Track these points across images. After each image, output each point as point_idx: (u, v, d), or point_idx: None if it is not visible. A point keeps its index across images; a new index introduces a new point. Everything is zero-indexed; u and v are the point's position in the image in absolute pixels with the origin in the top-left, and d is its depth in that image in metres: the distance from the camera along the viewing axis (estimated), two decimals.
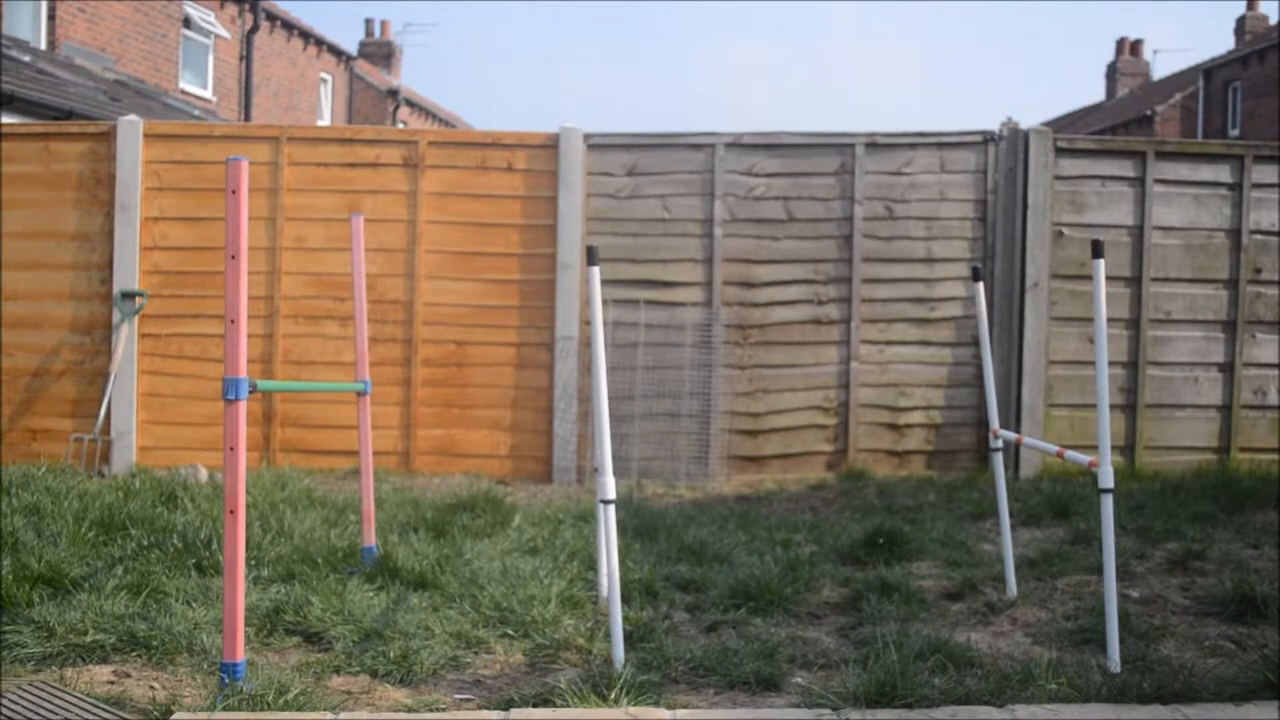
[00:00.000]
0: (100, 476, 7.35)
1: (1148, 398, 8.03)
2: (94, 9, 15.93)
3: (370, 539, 5.11)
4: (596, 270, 3.87)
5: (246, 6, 20.18)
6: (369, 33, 30.98)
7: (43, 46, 14.99)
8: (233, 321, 3.39)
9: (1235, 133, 25.80)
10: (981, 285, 4.86)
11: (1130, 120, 29.08)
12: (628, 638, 3.88)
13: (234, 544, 3.39)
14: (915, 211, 8.09)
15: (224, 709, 3.24)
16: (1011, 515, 5.40)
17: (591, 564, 4.96)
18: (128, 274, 7.82)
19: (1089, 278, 7.84)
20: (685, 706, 3.42)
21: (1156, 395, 8.06)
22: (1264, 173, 8.08)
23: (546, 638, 4.01)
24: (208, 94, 19.21)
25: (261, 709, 3.24)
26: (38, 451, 7.65)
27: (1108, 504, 3.83)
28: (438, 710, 3.38)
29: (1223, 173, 8.08)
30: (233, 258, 3.40)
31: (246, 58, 20.19)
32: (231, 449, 3.39)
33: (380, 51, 30.27)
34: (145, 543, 5.04)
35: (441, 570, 4.73)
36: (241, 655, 3.41)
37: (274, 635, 4.04)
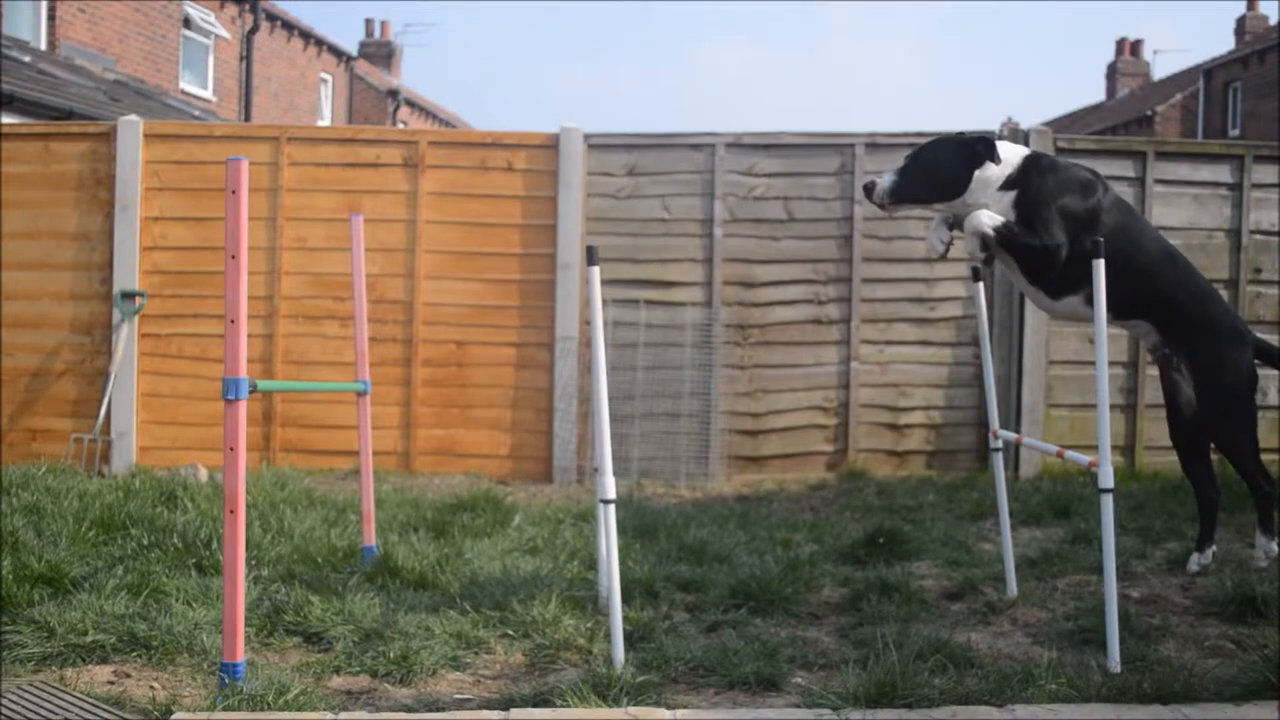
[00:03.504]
0: (100, 476, 7.35)
1: (1148, 398, 8.03)
2: (94, 9, 15.93)
3: (370, 539, 5.11)
4: (596, 270, 3.87)
5: (246, 6, 20.18)
6: (369, 33, 30.98)
7: (43, 46, 14.99)
8: (233, 321, 3.39)
9: (1235, 133, 25.79)
10: (981, 285, 4.84)
11: (1130, 120, 29.08)
12: (628, 638, 3.87)
13: (234, 544, 3.39)
14: (915, 211, 8.06)
15: (224, 709, 3.24)
16: (1011, 515, 5.40)
17: (591, 564, 4.96)
18: (128, 274, 7.82)
19: None
20: (685, 706, 3.42)
21: (1157, 395, 8.02)
22: (1264, 173, 8.08)
23: (546, 638, 4.01)
24: (208, 94, 19.21)
25: (261, 709, 3.24)
26: (38, 451, 7.65)
27: (1108, 504, 3.83)
28: (438, 710, 3.38)
29: (1223, 173, 8.08)
30: (233, 258, 3.40)
31: (246, 58, 20.19)
32: (231, 449, 3.39)
33: (380, 51, 30.27)
34: (145, 543, 5.03)
35: (441, 570, 4.73)
36: (241, 655, 3.41)
37: (274, 635, 4.04)
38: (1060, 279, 4.02)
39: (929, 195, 4.09)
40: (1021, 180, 3.95)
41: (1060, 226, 3.91)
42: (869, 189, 4.10)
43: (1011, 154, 4.02)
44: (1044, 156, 4.06)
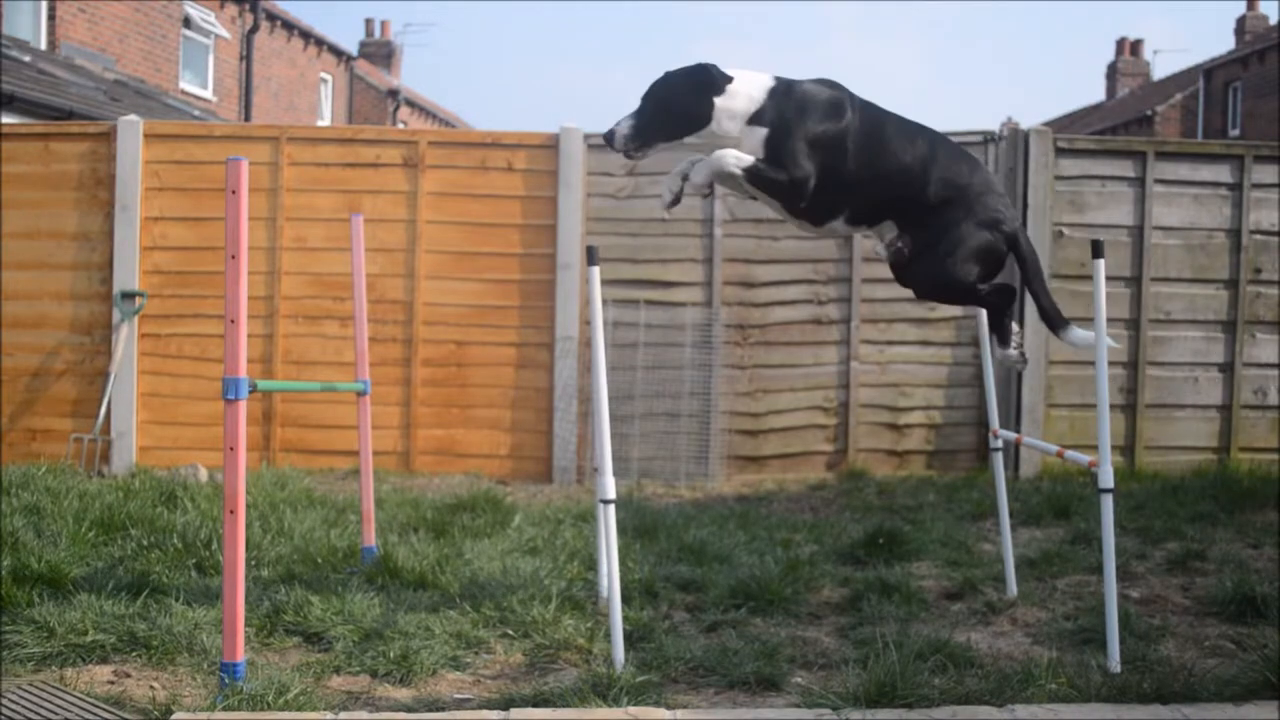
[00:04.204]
0: (100, 476, 7.34)
1: (1148, 398, 8.03)
2: (94, 9, 15.93)
3: (370, 539, 5.11)
4: (596, 270, 3.87)
5: (246, 6, 20.17)
6: (369, 33, 30.97)
7: (43, 46, 14.98)
8: (233, 321, 3.39)
9: (1235, 133, 25.78)
10: None
11: (1130, 120, 29.07)
12: (628, 638, 3.88)
13: (234, 544, 3.39)
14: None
15: (224, 709, 3.24)
16: (1011, 515, 5.40)
17: (591, 564, 4.96)
18: (128, 274, 7.82)
19: (1089, 278, 7.82)
20: (685, 706, 3.42)
21: (1156, 395, 8.06)
22: (1264, 173, 8.08)
23: (546, 638, 4.01)
24: (208, 94, 19.21)
25: (261, 709, 3.24)
26: (38, 451, 7.64)
27: (1108, 504, 3.83)
28: (438, 710, 3.38)
29: (1223, 173, 8.08)
30: (233, 258, 3.40)
31: (246, 58, 20.18)
32: (231, 449, 3.39)
33: (380, 51, 30.26)
34: (145, 543, 5.03)
35: (441, 570, 4.73)
36: (241, 655, 3.41)
37: (274, 635, 4.04)
38: (820, 206, 3.93)
39: (672, 131, 3.93)
40: (769, 113, 3.84)
41: (808, 156, 3.81)
42: (609, 137, 3.93)
43: (754, 86, 3.88)
44: (789, 85, 3.92)
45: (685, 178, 4.02)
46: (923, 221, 3.94)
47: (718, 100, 3.87)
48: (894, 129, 3.97)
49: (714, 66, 3.88)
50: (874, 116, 3.97)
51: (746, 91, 3.87)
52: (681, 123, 3.93)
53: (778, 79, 3.93)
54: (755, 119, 3.86)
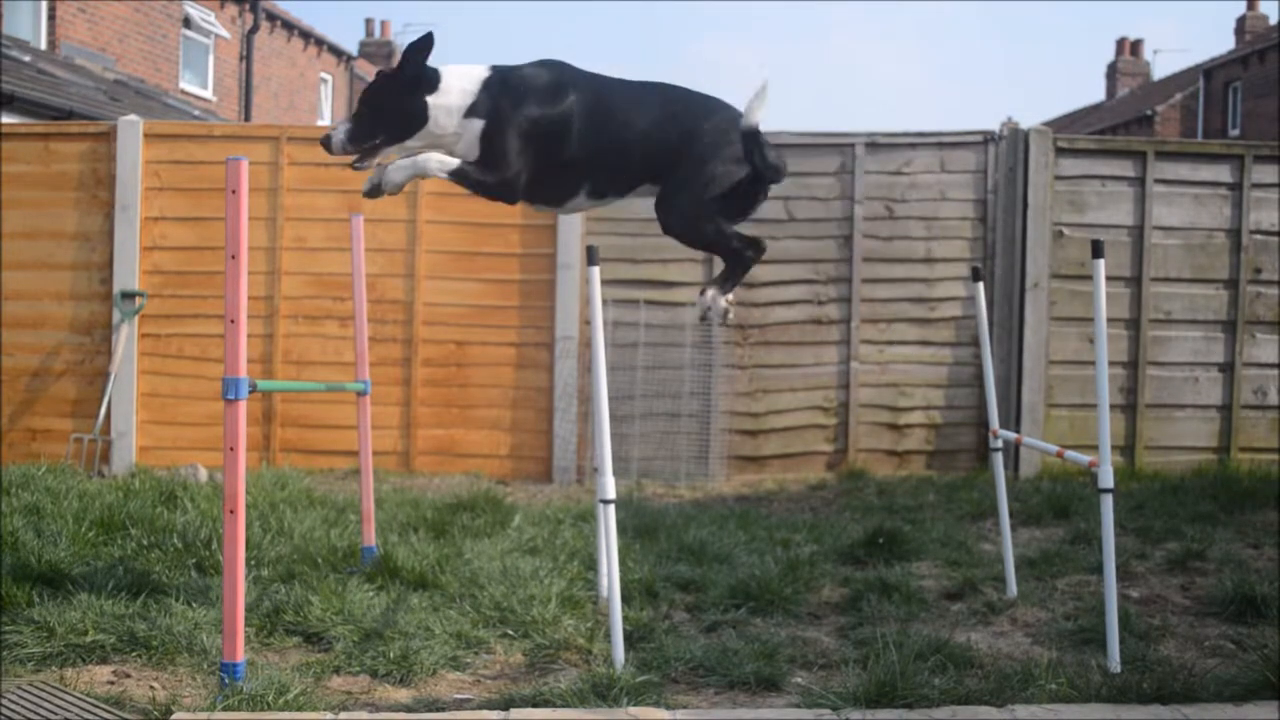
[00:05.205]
0: (100, 476, 7.35)
1: (1148, 398, 8.03)
2: (94, 9, 15.93)
3: (370, 539, 5.11)
4: (596, 270, 3.87)
5: (246, 6, 20.17)
6: (369, 33, 30.97)
7: (43, 46, 14.98)
8: (233, 321, 3.39)
9: (1235, 133, 25.78)
10: (981, 285, 4.86)
11: (1130, 120, 29.08)
12: (628, 638, 3.88)
13: (234, 544, 3.39)
14: (915, 211, 8.08)
15: (224, 709, 3.24)
16: (1011, 515, 5.40)
17: (591, 564, 4.96)
18: (128, 274, 7.82)
19: (1089, 278, 7.82)
20: (685, 707, 3.42)
21: (1156, 395, 8.06)
22: (1264, 173, 8.08)
23: (546, 638, 4.01)
24: (208, 94, 19.21)
25: (261, 709, 3.24)
26: (38, 451, 7.64)
27: (1108, 504, 3.83)
28: (438, 710, 3.38)
29: (1223, 173, 8.08)
30: (233, 258, 3.40)
31: (246, 58, 20.18)
32: (231, 449, 3.39)
33: (380, 51, 30.25)
34: (145, 543, 5.03)
35: (441, 570, 4.73)
36: (241, 655, 3.41)
37: (274, 635, 4.04)
38: (551, 189, 3.87)
39: (390, 133, 3.80)
40: (484, 105, 3.76)
41: (520, 152, 3.75)
42: (325, 143, 3.81)
43: (467, 79, 3.79)
44: (505, 74, 3.83)
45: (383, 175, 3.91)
46: (674, 171, 3.90)
47: (430, 98, 3.76)
48: (623, 100, 3.89)
49: (422, 61, 3.76)
50: (599, 92, 3.88)
51: (459, 86, 3.78)
52: (398, 124, 3.80)
53: (494, 68, 3.84)
54: (471, 112, 3.77)
